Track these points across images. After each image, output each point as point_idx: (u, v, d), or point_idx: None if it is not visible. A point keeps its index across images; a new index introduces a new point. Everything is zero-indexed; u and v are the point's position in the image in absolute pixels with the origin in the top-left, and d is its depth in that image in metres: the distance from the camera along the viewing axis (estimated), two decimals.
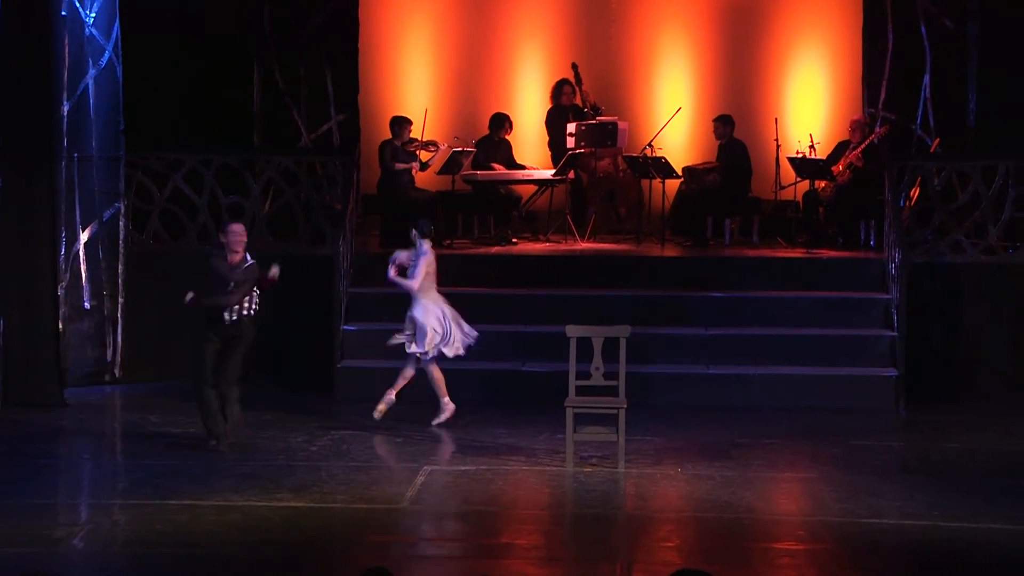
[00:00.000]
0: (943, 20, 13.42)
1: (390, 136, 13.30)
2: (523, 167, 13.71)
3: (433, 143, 13.34)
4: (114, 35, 11.94)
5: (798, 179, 13.19)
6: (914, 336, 11.29)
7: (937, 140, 13.36)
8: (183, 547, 7.59)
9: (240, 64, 13.64)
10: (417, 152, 13.29)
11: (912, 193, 12.42)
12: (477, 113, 14.09)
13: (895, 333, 11.29)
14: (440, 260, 12.60)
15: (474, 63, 14.31)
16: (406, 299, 12.03)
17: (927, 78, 13.47)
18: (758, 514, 8.39)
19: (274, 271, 9.62)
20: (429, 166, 13.36)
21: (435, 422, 10.28)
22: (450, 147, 13.30)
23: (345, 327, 11.62)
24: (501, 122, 13.68)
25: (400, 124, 13.28)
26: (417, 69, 14.33)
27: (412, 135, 13.33)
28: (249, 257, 9.64)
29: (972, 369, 11.73)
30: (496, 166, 13.54)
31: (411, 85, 14.30)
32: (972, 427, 10.49)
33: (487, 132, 13.70)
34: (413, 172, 13.31)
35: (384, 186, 13.31)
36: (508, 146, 13.74)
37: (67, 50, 11.62)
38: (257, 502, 8.39)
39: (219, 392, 9.51)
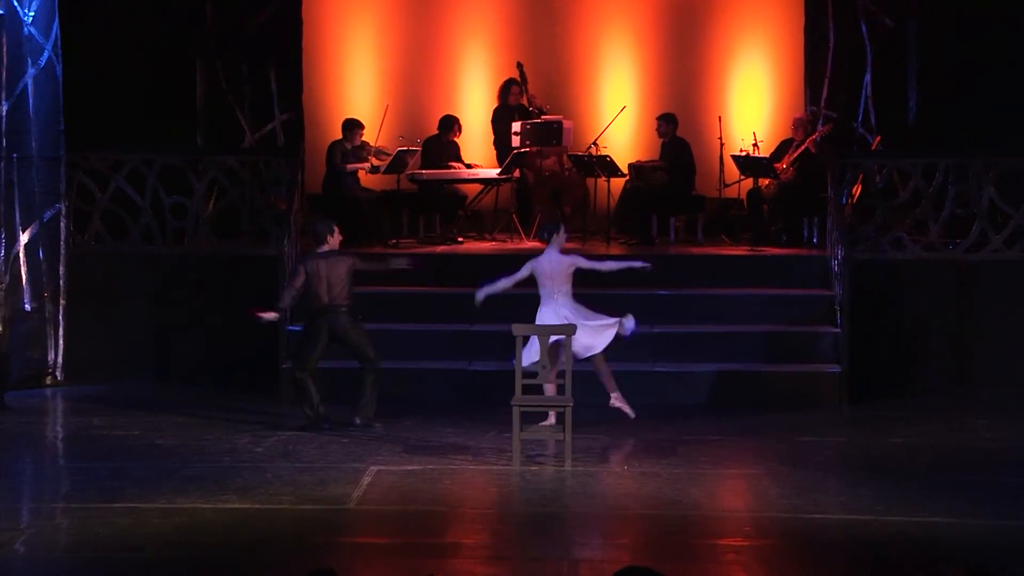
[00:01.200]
0: (883, 19, 13.54)
1: (340, 137, 13.26)
2: (471, 166, 13.71)
3: (385, 152, 13.30)
4: (53, 34, 11.81)
5: (742, 177, 13.28)
6: (857, 332, 11.39)
7: (878, 138, 13.49)
8: (126, 550, 7.52)
9: (182, 63, 13.54)
10: (369, 159, 13.27)
11: (854, 191, 12.53)
12: (422, 112, 14.07)
13: (839, 330, 11.39)
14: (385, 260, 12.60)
15: (419, 62, 14.29)
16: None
17: (868, 76, 13.60)
18: (704, 511, 8.43)
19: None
20: (379, 170, 13.33)
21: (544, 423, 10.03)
22: (396, 147, 13.28)
23: (290, 328, 11.56)
24: (450, 124, 13.67)
25: (352, 128, 13.24)
26: (361, 68, 14.29)
27: (364, 139, 13.31)
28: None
29: (914, 365, 11.85)
30: (455, 165, 13.53)
31: (355, 84, 14.27)
32: (914, 422, 10.59)
33: (435, 132, 13.69)
34: (360, 173, 13.30)
35: (329, 186, 13.27)
36: (456, 148, 13.72)
37: (5, 49, 11.48)
38: (202, 504, 8.33)
39: (370, 374, 10.12)
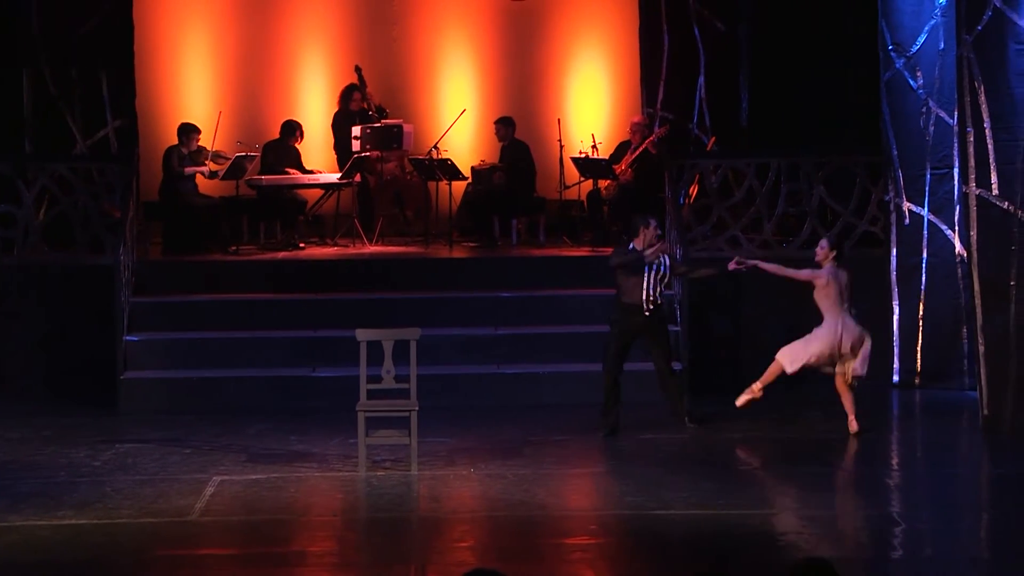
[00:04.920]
0: (715, 23, 13.83)
1: (175, 142, 13.03)
2: (312, 172, 13.59)
3: (223, 155, 13.10)
4: None
5: (582, 179, 13.42)
6: (697, 330, 11.59)
7: (713, 139, 13.76)
8: None
9: (7, 68, 13.14)
10: (206, 163, 13.05)
11: (691, 190, 12.76)
12: (260, 117, 13.91)
13: (679, 328, 11.57)
14: (227, 266, 12.44)
15: (255, 66, 14.13)
16: (188, 310, 11.80)
17: (702, 79, 13.86)
18: (551, 510, 8.49)
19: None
20: (217, 176, 13.13)
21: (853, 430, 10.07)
22: (235, 152, 13.10)
23: (127, 338, 11.32)
24: (292, 130, 13.54)
25: (188, 132, 13.03)
26: (196, 73, 14.07)
27: (201, 143, 13.08)
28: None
29: (752, 360, 12.03)
30: (291, 171, 13.39)
31: (190, 89, 14.04)
32: (753, 416, 10.80)
33: (276, 137, 13.53)
34: (198, 179, 13.09)
35: (166, 192, 13.03)
36: (296, 153, 13.59)
37: None
38: (37, 521, 8.09)
39: (667, 378, 10.30)
